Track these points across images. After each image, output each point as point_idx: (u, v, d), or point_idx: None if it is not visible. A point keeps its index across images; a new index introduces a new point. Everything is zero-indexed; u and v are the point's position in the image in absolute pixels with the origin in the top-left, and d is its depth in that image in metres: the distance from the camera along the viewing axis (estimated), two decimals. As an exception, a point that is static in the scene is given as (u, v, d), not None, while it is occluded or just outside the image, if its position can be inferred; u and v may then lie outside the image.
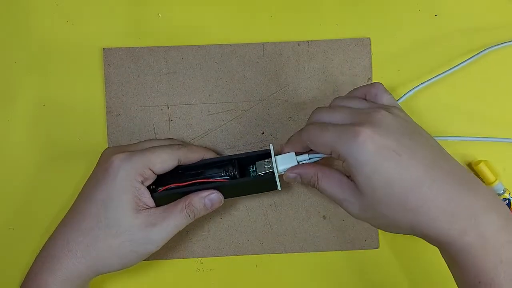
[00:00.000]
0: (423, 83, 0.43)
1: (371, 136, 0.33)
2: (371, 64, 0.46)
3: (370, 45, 0.46)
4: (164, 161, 0.39)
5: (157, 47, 0.46)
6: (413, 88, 0.42)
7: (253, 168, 0.40)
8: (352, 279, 0.46)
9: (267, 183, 0.40)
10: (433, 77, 0.43)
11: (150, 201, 0.39)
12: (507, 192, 0.45)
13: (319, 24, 0.47)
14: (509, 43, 0.45)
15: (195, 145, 0.44)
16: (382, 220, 0.35)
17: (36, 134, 0.46)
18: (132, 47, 0.46)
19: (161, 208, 0.39)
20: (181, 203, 0.39)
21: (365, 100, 0.38)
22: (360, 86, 0.40)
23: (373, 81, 0.46)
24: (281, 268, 0.46)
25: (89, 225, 0.38)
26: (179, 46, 0.46)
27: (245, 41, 0.46)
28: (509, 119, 0.46)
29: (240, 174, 0.40)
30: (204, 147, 0.45)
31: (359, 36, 0.46)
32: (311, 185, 0.38)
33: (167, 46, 0.46)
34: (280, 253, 0.46)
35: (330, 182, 0.37)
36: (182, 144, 0.43)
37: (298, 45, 0.46)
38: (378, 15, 0.47)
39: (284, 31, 0.46)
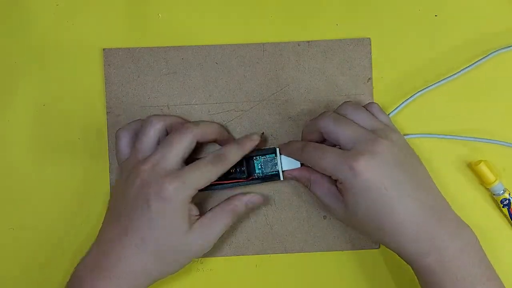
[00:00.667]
0: (423, 89, 0.44)
1: (365, 169, 0.37)
2: (371, 64, 0.46)
3: (370, 45, 0.46)
4: (207, 181, 0.40)
5: (157, 47, 0.46)
6: (414, 94, 0.43)
7: (258, 165, 0.43)
8: (352, 279, 0.46)
9: (271, 178, 0.44)
10: (435, 83, 0.44)
11: (195, 210, 0.40)
12: (507, 192, 0.45)
13: (319, 24, 0.47)
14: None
15: (232, 148, 0.42)
16: (360, 229, 0.41)
17: (36, 134, 0.46)
18: (132, 48, 0.46)
19: (208, 215, 0.41)
20: (226, 209, 0.42)
21: (371, 114, 0.41)
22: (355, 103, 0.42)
23: (373, 81, 0.46)
24: (281, 268, 0.46)
25: (152, 249, 0.39)
26: (179, 46, 0.46)
27: (245, 41, 0.46)
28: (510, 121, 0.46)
29: (246, 169, 0.43)
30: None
31: (359, 36, 0.46)
32: (305, 186, 0.43)
33: (167, 47, 0.46)
34: (280, 253, 0.46)
35: (320, 189, 0.42)
36: (214, 155, 0.41)
37: (298, 45, 0.46)
38: (378, 15, 0.47)
39: (284, 31, 0.46)
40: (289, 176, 0.44)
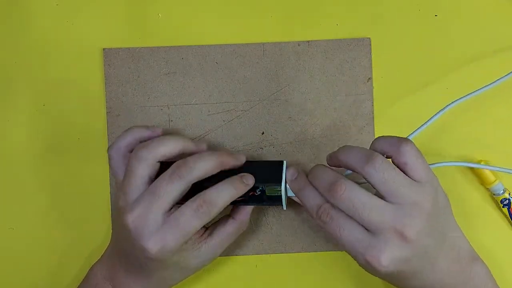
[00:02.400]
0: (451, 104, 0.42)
1: (387, 265, 0.33)
2: (371, 64, 0.46)
3: (370, 45, 0.46)
4: (194, 231, 0.37)
5: (157, 47, 0.46)
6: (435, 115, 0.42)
7: (261, 188, 0.39)
8: (352, 279, 0.46)
9: (273, 202, 0.40)
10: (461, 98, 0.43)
11: (198, 232, 0.39)
12: (507, 192, 0.45)
13: (319, 24, 0.47)
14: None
15: (223, 195, 0.38)
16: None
17: (36, 134, 0.46)
18: (132, 47, 0.46)
19: (216, 235, 0.40)
20: (235, 226, 0.41)
21: (402, 175, 0.35)
22: (386, 142, 0.36)
23: (373, 81, 0.46)
24: (281, 268, 0.46)
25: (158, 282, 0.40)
26: (179, 46, 0.46)
27: (245, 41, 0.46)
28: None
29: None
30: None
31: (359, 36, 0.46)
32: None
33: (167, 46, 0.46)
34: (280, 253, 0.46)
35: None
36: (199, 201, 0.37)
37: (298, 45, 0.46)
38: (378, 15, 0.47)
39: (284, 31, 0.46)
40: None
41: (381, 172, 0.34)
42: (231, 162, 0.39)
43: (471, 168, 0.46)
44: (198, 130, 0.46)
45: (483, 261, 0.39)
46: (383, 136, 0.37)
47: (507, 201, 0.44)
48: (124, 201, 0.37)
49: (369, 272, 0.36)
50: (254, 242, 0.46)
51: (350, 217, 0.34)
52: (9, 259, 0.45)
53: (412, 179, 0.34)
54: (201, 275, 0.45)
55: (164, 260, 0.37)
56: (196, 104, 0.46)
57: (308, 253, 0.46)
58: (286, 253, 0.46)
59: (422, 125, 0.41)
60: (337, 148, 0.37)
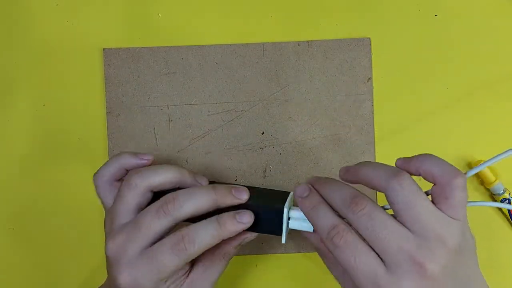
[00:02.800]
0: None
1: None
2: (371, 64, 0.46)
3: (370, 45, 0.46)
4: (171, 270, 0.34)
5: (157, 47, 0.46)
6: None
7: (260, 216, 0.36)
8: (352, 279, 0.46)
9: (272, 231, 0.37)
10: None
11: (182, 270, 0.36)
12: (507, 192, 0.45)
13: (319, 24, 0.47)
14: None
15: (209, 232, 0.35)
16: None
17: (36, 134, 0.46)
18: (132, 48, 0.46)
19: (200, 268, 0.37)
20: (217, 255, 0.37)
21: (433, 207, 0.30)
22: (439, 167, 0.31)
23: (373, 81, 0.46)
24: (281, 268, 0.46)
25: None
26: (179, 46, 0.46)
27: (245, 41, 0.46)
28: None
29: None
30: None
31: (359, 36, 0.46)
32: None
33: (167, 46, 0.46)
34: (280, 253, 0.46)
35: (331, 266, 0.36)
36: (176, 240, 0.34)
37: (298, 45, 0.46)
38: (378, 15, 0.47)
39: (284, 31, 0.46)
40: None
41: (408, 191, 0.30)
42: (228, 201, 0.35)
43: (472, 168, 0.46)
44: (198, 130, 0.46)
45: None
46: (434, 156, 0.32)
47: (507, 201, 0.44)
48: (109, 226, 0.36)
49: None
50: (254, 242, 0.45)
51: (366, 243, 0.30)
52: (9, 259, 0.45)
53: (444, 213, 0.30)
54: (201, 275, 0.45)
55: None
56: (196, 104, 0.46)
57: (308, 253, 0.46)
58: (286, 253, 0.46)
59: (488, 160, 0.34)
60: (356, 164, 0.34)
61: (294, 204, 0.37)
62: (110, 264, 0.35)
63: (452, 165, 0.31)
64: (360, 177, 0.33)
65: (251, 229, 0.36)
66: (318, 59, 0.46)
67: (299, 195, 0.35)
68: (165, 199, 0.35)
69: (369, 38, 0.46)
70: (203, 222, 0.35)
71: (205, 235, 0.34)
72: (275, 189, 0.40)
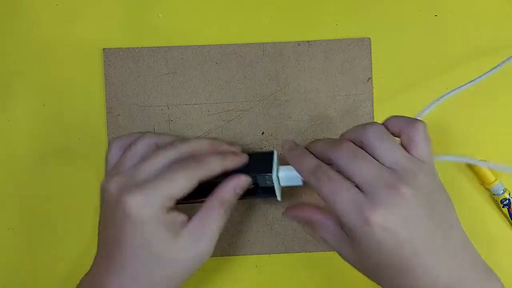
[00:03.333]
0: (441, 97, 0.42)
1: (381, 226, 0.31)
2: (371, 64, 0.46)
3: (370, 45, 0.46)
4: (184, 188, 0.35)
5: (157, 47, 0.46)
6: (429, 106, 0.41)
7: (253, 180, 0.39)
8: (352, 279, 0.46)
9: (268, 194, 0.40)
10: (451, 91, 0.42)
11: (181, 216, 0.36)
12: (507, 192, 0.45)
13: (319, 24, 0.47)
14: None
15: (212, 156, 0.38)
16: (369, 275, 0.36)
17: (36, 134, 0.46)
18: (132, 47, 0.46)
19: (196, 218, 0.37)
20: (214, 205, 0.37)
21: (399, 146, 0.34)
22: (401, 119, 0.36)
23: (373, 81, 0.46)
24: (281, 268, 0.46)
25: (139, 274, 0.35)
26: (179, 46, 0.46)
27: (245, 41, 0.46)
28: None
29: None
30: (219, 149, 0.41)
31: (359, 36, 0.46)
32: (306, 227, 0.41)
33: (167, 46, 0.46)
34: (280, 253, 0.46)
35: (323, 231, 0.38)
36: (187, 159, 0.37)
37: (298, 45, 0.46)
38: (378, 15, 0.47)
39: (284, 31, 0.46)
40: (290, 216, 0.41)
41: (380, 134, 0.34)
42: (231, 164, 0.38)
43: (472, 168, 0.46)
44: (198, 130, 0.46)
45: (497, 276, 0.35)
46: (396, 115, 0.36)
47: (507, 201, 0.44)
48: (115, 169, 0.37)
49: (362, 251, 0.33)
50: (254, 242, 0.46)
51: (347, 179, 0.33)
52: (9, 259, 0.45)
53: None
54: (201, 275, 0.45)
55: (143, 222, 0.34)
56: (196, 104, 0.46)
57: (308, 253, 0.46)
58: (286, 253, 0.46)
59: (426, 108, 0.41)
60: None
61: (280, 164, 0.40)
62: (115, 198, 0.35)
63: (408, 117, 0.36)
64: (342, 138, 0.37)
65: (247, 195, 0.39)
66: (318, 59, 0.46)
67: (287, 149, 0.39)
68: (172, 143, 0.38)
69: (369, 38, 0.46)
70: (211, 154, 0.38)
71: (214, 160, 0.37)
72: (258, 151, 0.44)
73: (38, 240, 0.45)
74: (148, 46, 0.46)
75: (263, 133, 0.46)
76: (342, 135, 0.37)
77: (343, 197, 0.33)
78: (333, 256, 0.46)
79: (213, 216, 0.37)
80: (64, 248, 0.45)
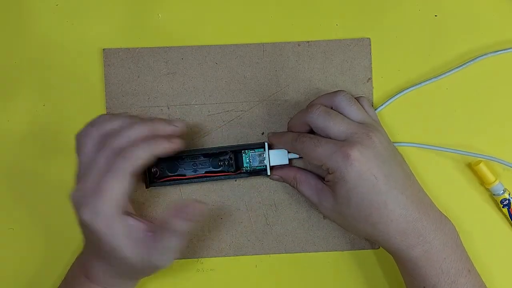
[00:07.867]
0: (410, 88, 0.44)
1: (359, 159, 0.37)
2: (371, 64, 0.46)
3: (370, 45, 0.46)
4: (124, 190, 0.37)
5: (157, 47, 0.46)
6: (398, 93, 0.44)
7: (246, 159, 0.43)
8: (352, 279, 0.46)
9: (259, 172, 0.44)
10: (421, 83, 0.43)
11: (133, 220, 0.38)
12: (507, 192, 0.45)
13: (319, 24, 0.47)
14: (505, 51, 0.45)
15: (140, 147, 0.38)
16: (346, 224, 0.41)
17: (36, 134, 0.46)
18: (132, 48, 0.46)
19: (151, 238, 0.38)
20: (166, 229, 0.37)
21: (361, 108, 0.41)
22: (324, 96, 0.42)
23: (373, 81, 0.46)
24: (281, 268, 0.46)
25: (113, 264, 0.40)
26: (179, 46, 0.46)
27: (245, 41, 0.46)
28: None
29: (235, 163, 0.44)
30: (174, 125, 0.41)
31: (359, 36, 0.46)
32: (292, 186, 0.44)
33: (167, 47, 0.46)
34: (280, 253, 0.46)
35: (307, 187, 0.43)
36: (123, 150, 0.37)
37: (298, 45, 0.46)
38: (378, 15, 0.47)
39: (284, 31, 0.46)
40: (276, 177, 0.44)
41: (347, 99, 0.41)
42: (161, 151, 0.38)
43: (471, 168, 0.46)
44: (198, 131, 0.46)
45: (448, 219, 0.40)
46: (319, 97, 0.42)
47: (507, 201, 0.44)
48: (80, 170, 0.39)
49: (343, 196, 0.38)
50: (254, 242, 0.46)
51: (321, 137, 0.40)
52: (9, 259, 0.45)
53: None
54: (201, 275, 0.45)
55: (96, 231, 0.36)
56: (196, 104, 0.46)
57: (308, 253, 0.46)
58: (286, 253, 0.46)
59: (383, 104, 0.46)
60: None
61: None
62: (74, 202, 0.38)
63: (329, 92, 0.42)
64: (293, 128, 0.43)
65: (244, 174, 0.44)
66: (318, 59, 0.46)
67: (270, 135, 0.44)
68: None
69: (369, 38, 0.46)
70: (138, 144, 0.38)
71: (139, 152, 0.37)
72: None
73: (38, 240, 0.45)
74: (148, 47, 0.46)
75: (263, 133, 0.46)
76: (311, 102, 0.42)
77: (324, 146, 0.39)
78: (333, 256, 0.46)
79: (169, 237, 0.37)
80: (64, 248, 0.45)
